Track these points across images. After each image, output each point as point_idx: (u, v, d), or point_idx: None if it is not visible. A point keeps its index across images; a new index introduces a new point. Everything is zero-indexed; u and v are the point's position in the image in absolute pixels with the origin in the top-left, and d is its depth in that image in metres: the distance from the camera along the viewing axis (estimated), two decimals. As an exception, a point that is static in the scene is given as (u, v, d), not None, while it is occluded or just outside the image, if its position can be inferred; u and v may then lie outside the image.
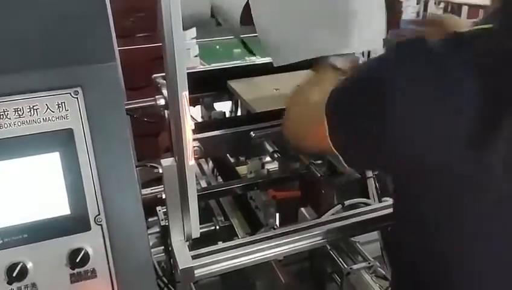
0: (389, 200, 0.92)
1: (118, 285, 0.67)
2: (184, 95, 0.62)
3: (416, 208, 0.62)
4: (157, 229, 1.04)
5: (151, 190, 1.20)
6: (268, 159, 1.16)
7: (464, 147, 0.52)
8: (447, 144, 0.53)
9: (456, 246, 0.59)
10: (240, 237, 1.05)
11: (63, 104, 0.63)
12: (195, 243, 0.76)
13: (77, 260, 0.64)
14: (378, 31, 0.89)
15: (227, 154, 1.29)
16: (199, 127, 0.92)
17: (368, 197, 1.01)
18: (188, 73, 0.61)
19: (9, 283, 0.62)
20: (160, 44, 0.61)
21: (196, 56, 2.95)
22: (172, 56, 0.60)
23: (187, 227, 0.73)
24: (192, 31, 2.84)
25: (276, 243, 0.78)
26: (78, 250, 0.64)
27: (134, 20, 2.34)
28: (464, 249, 0.58)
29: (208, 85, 1.25)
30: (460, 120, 0.52)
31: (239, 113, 1.29)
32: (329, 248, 0.99)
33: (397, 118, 0.54)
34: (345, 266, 0.94)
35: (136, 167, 0.78)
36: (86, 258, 0.64)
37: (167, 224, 0.75)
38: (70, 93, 0.63)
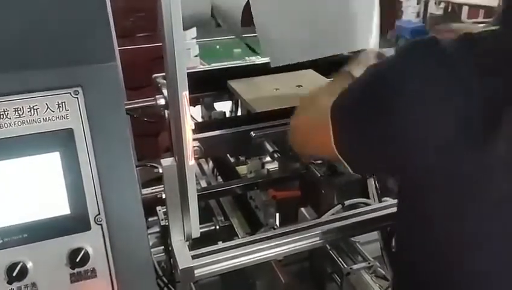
0: (389, 200, 0.92)
1: (118, 285, 0.67)
2: (184, 94, 0.62)
3: (419, 208, 0.62)
4: (157, 229, 1.04)
5: (151, 189, 1.19)
6: (268, 159, 1.16)
7: (465, 146, 0.52)
8: (451, 144, 0.53)
9: (456, 246, 0.59)
10: (239, 237, 1.04)
11: (63, 104, 0.63)
12: (195, 243, 0.76)
13: (77, 260, 0.64)
14: (374, 30, 0.89)
15: (227, 154, 1.28)
16: (199, 127, 0.92)
17: (368, 197, 1.01)
18: (188, 73, 0.61)
19: (9, 282, 0.62)
20: (161, 44, 0.61)
21: (196, 56, 2.95)
22: (173, 56, 0.60)
23: (187, 227, 0.73)
24: (193, 31, 2.84)
25: (276, 243, 0.77)
26: (78, 250, 0.64)
27: (134, 20, 2.34)
28: (464, 249, 0.58)
29: (208, 85, 1.25)
30: (462, 120, 0.52)
31: (239, 113, 1.29)
32: (329, 248, 0.99)
33: (410, 120, 0.54)
34: (345, 266, 0.94)
35: (136, 166, 0.78)
36: (86, 257, 0.64)
37: (167, 224, 0.75)
38: (70, 93, 0.63)
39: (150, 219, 1.05)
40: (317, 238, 0.80)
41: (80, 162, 0.64)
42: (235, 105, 1.30)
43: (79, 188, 0.64)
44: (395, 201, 0.88)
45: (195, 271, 0.72)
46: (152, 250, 0.85)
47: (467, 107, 0.52)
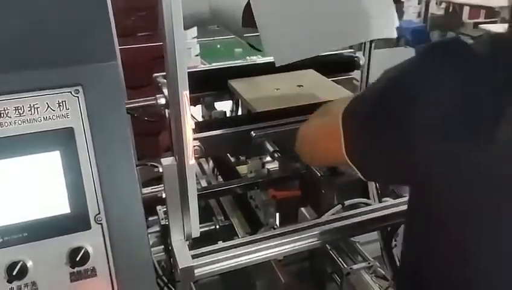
0: (389, 201, 0.92)
1: (118, 284, 0.67)
2: (185, 94, 0.62)
3: (432, 214, 0.60)
4: (157, 229, 1.04)
5: (152, 189, 1.20)
6: (268, 158, 1.16)
7: (483, 154, 0.51)
8: (469, 151, 0.52)
9: (464, 244, 0.58)
10: (239, 236, 1.05)
11: (63, 102, 0.63)
12: (195, 243, 0.76)
13: (77, 259, 0.64)
14: (389, 19, 0.88)
15: (228, 154, 1.28)
16: (199, 127, 0.92)
17: (368, 198, 1.01)
18: (188, 72, 0.61)
19: (10, 281, 0.62)
20: (161, 43, 0.61)
21: (197, 55, 2.96)
22: (173, 55, 0.60)
23: (187, 226, 0.73)
24: (193, 31, 2.85)
25: (276, 242, 0.78)
26: (78, 249, 0.64)
27: (135, 19, 2.34)
28: (472, 248, 0.58)
29: (208, 84, 1.25)
30: (483, 124, 0.51)
31: (239, 113, 1.29)
32: (329, 248, 0.99)
33: (427, 126, 0.53)
34: (345, 266, 0.94)
35: (137, 166, 0.78)
36: (86, 257, 0.65)
37: (167, 223, 0.75)
38: (71, 92, 0.64)
39: (150, 218, 1.05)
40: (317, 238, 0.80)
41: (80, 161, 0.64)
42: (236, 105, 1.30)
43: (79, 187, 0.64)
44: (395, 201, 0.88)
45: (195, 271, 0.72)
46: (152, 249, 0.85)
47: (492, 111, 0.50)
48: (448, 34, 6.47)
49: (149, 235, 0.86)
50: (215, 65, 1.46)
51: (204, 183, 1.31)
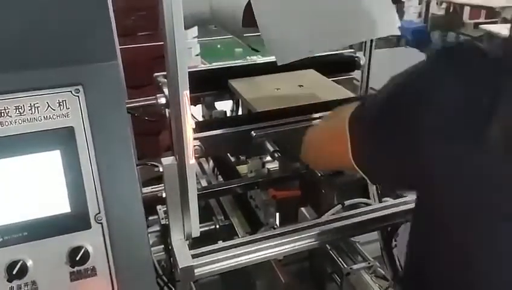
0: (389, 201, 0.92)
1: (118, 283, 0.67)
2: (185, 94, 0.62)
3: (439, 218, 0.59)
4: (158, 228, 1.04)
5: (152, 188, 1.20)
6: (268, 158, 1.16)
7: (479, 145, 0.51)
8: (480, 156, 0.52)
9: (466, 247, 0.58)
10: (240, 236, 1.05)
11: (64, 102, 0.63)
12: (195, 242, 0.76)
13: (77, 258, 0.64)
14: (390, 18, 0.88)
15: (228, 154, 1.29)
16: (200, 126, 0.92)
17: (368, 198, 1.01)
18: (189, 72, 0.61)
19: (10, 280, 0.62)
20: (162, 43, 0.61)
21: (197, 55, 2.96)
22: (174, 55, 0.60)
23: (187, 226, 0.73)
24: (194, 30, 2.85)
25: (276, 242, 0.78)
26: (78, 248, 0.64)
27: (135, 19, 2.34)
28: (473, 250, 0.58)
29: (209, 84, 1.25)
30: (480, 119, 0.51)
31: (240, 113, 1.29)
32: (329, 248, 0.99)
33: (436, 131, 0.53)
34: (345, 266, 0.94)
35: (137, 165, 0.78)
36: (86, 256, 0.65)
37: (167, 223, 0.75)
38: (71, 92, 0.64)
39: (150, 218, 1.05)
40: (317, 238, 0.80)
41: (81, 160, 0.64)
42: (236, 104, 1.30)
43: (79, 187, 0.64)
44: (395, 201, 0.88)
45: (195, 270, 0.72)
46: (152, 249, 0.85)
47: (492, 112, 0.50)
48: (448, 34, 6.47)
49: (149, 235, 0.86)
50: (216, 65, 1.47)
51: (204, 183, 1.31)
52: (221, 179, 1.29)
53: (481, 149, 0.51)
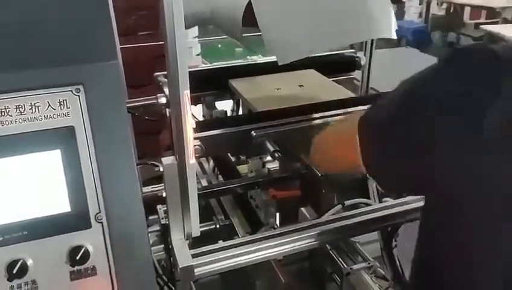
0: (389, 201, 0.92)
1: (118, 283, 0.67)
2: (185, 93, 0.62)
3: (449, 225, 0.59)
4: (158, 228, 1.04)
5: (152, 188, 1.19)
6: (269, 158, 1.16)
7: (479, 146, 0.51)
8: (467, 144, 0.52)
9: (469, 247, 0.58)
10: (240, 236, 1.04)
11: (64, 101, 0.63)
12: (195, 242, 0.76)
13: (77, 258, 0.64)
14: (389, 19, 0.88)
15: (228, 153, 1.29)
16: (200, 126, 0.92)
17: (369, 198, 1.01)
18: (189, 72, 0.61)
19: (10, 279, 0.62)
20: (162, 42, 0.61)
21: (198, 55, 2.96)
22: (174, 54, 0.60)
23: (187, 226, 0.73)
24: (195, 30, 2.85)
25: (276, 242, 0.77)
26: (79, 247, 0.64)
27: (136, 19, 2.34)
28: (475, 251, 0.58)
29: (209, 84, 1.25)
30: (481, 121, 0.51)
31: (240, 113, 1.29)
32: (329, 248, 0.99)
33: (447, 136, 0.53)
34: (345, 266, 0.94)
35: (137, 165, 0.78)
36: (86, 255, 0.65)
37: (167, 222, 0.75)
38: (71, 91, 0.64)
39: (150, 218, 1.05)
40: (317, 238, 0.80)
41: (81, 160, 0.64)
42: (237, 104, 1.30)
43: (80, 186, 0.64)
44: (395, 201, 0.88)
45: (195, 270, 0.72)
46: (152, 248, 0.85)
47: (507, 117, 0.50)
48: (449, 34, 6.48)
49: (149, 234, 0.86)
50: (216, 65, 1.47)
51: (204, 183, 1.31)
52: (222, 179, 1.29)
53: (480, 148, 0.51)
